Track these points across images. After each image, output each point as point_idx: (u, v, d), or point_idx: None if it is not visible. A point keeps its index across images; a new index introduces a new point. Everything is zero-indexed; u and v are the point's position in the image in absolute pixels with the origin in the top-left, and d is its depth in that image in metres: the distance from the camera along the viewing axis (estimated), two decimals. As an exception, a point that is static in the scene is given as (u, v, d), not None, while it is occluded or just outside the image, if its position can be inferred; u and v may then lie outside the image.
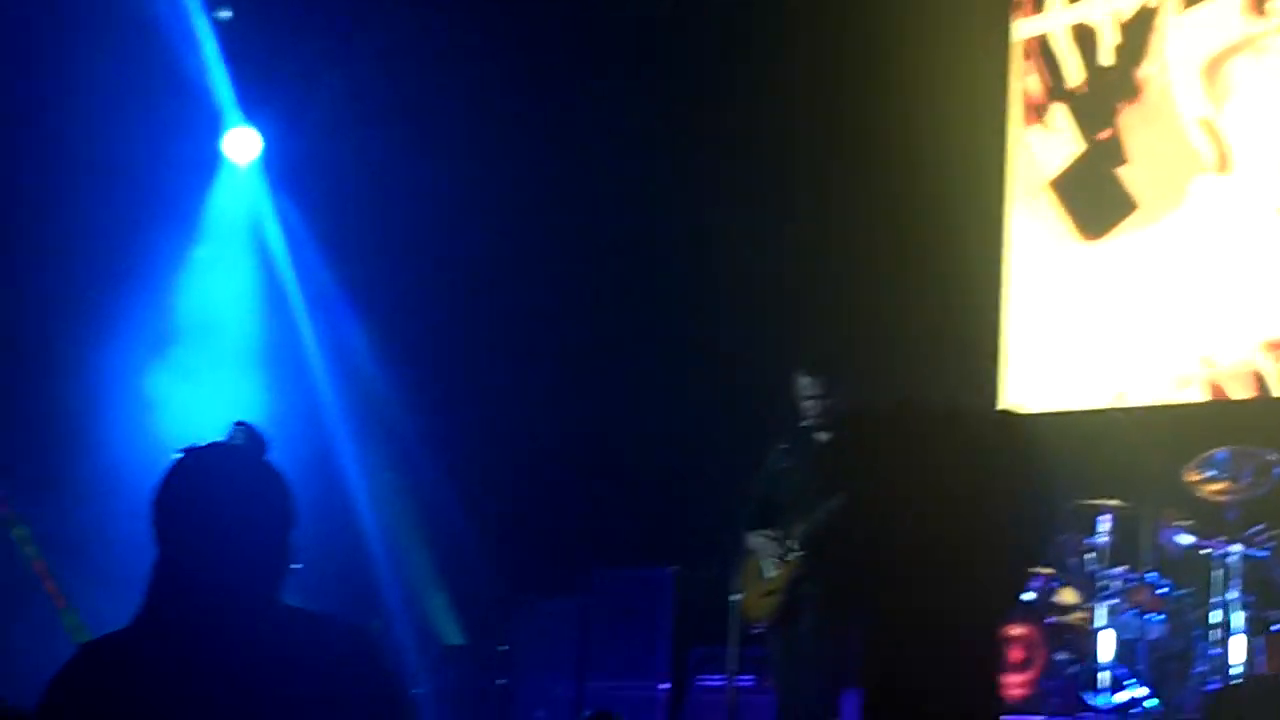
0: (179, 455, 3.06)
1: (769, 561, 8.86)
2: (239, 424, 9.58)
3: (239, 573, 2.97)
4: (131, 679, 2.91)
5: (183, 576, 2.97)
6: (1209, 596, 9.54)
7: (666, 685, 11.58)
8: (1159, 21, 11.56)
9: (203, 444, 3.13)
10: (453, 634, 12.98)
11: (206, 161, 12.97)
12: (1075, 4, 12.08)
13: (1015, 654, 9.86)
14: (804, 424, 8.80)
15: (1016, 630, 9.86)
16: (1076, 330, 11.75)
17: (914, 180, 11.60)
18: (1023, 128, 12.25)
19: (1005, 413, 2.77)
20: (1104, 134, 11.80)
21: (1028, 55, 12.30)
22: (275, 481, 3.09)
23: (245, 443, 9.37)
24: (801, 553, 8.62)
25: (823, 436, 8.67)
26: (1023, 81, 12.30)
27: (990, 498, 2.40)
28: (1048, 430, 2.77)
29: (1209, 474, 9.80)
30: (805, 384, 8.76)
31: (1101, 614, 9.81)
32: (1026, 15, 12.37)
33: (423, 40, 12.68)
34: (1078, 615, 10.08)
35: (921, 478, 2.41)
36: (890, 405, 2.51)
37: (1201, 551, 9.71)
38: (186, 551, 2.97)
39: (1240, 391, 10.95)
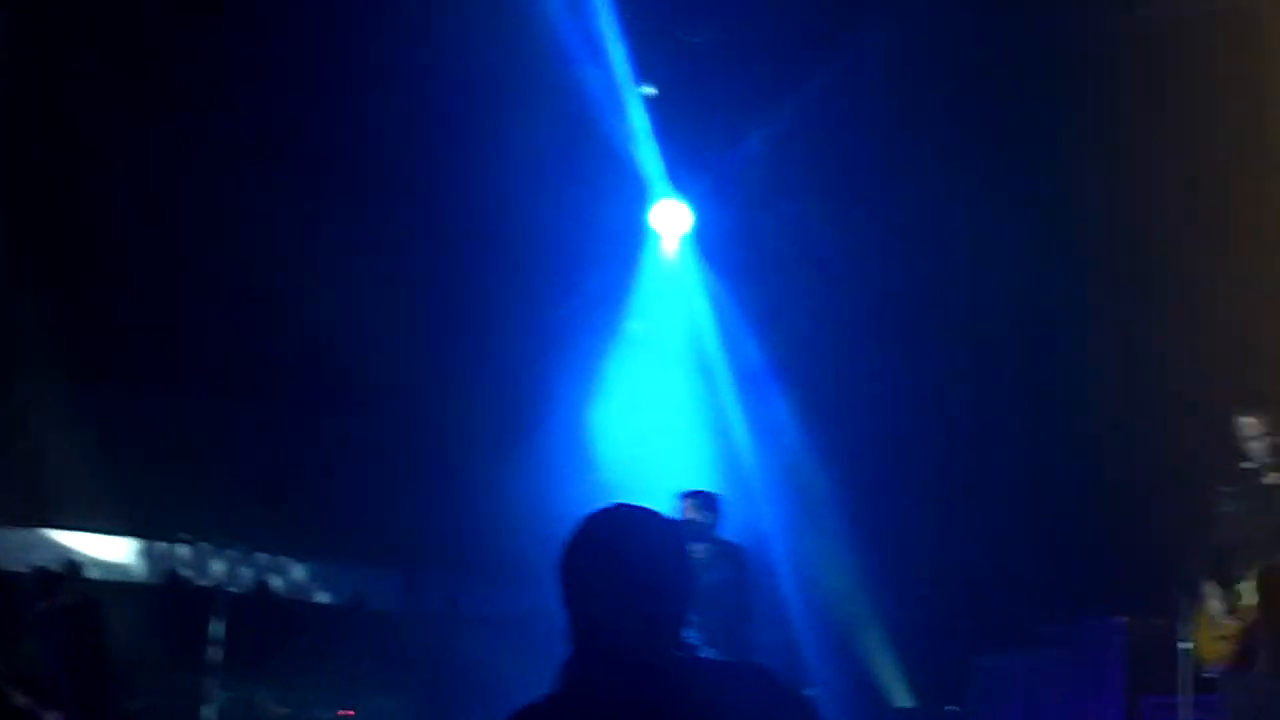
0: (583, 519, 3.02)
1: (1221, 607, 8.48)
2: (692, 493, 9.51)
3: (648, 630, 2.95)
4: None
5: (594, 638, 2.96)
6: None
7: (1118, 735, 10.86)
8: None
9: (603, 506, 3.06)
10: (902, 697, 12.62)
11: (635, 234, 13.17)
12: None
13: None
14: (1248, 466, 8.43)
15: None
16: None
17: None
18: None
19: None
20: None
21: None
22: (674, 536, 3.06)
23: (699, 513, 9.29)
24: (1257, 597, 8.29)
25: (1273, 478, 8.35)
26: None
27: None
28: None
29: None
30: (1248, 424, 8.40)
31: None
32: None
33: (849, 108, 12.55)
34: None
35: None
36: None
37: None
38: (594, 612, 2.96)
39: None
